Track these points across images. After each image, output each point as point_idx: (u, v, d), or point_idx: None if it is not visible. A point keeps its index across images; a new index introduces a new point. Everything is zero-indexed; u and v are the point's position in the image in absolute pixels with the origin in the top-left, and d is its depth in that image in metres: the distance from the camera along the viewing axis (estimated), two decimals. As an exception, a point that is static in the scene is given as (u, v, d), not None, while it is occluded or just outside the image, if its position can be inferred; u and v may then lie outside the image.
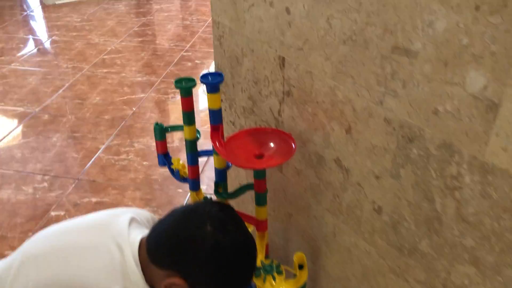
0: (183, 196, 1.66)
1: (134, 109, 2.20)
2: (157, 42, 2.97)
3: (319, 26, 0.81)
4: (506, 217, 0.62)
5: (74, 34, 3.08)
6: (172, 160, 1.11)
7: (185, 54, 2.79)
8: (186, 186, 1.71)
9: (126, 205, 1.62)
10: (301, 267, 0.99)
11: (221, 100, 1.23)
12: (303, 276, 0.97)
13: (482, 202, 0.64)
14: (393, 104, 0.72)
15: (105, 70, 2.58)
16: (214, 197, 1.06)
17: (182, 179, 1.11)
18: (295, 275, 0.98)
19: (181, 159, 1.13)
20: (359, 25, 0.73)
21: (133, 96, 2.31)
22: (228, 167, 1.03)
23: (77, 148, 1.91)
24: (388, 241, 0.84)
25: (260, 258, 0.99)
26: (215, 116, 0.93)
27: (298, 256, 0.99)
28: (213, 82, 0.89)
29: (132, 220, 0.92)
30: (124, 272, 0.81)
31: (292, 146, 0.91)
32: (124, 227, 0.88)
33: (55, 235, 0.89)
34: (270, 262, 0.97)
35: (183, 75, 2.56)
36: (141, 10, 3.54)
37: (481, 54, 0.58)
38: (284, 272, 0.97)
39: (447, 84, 0.63)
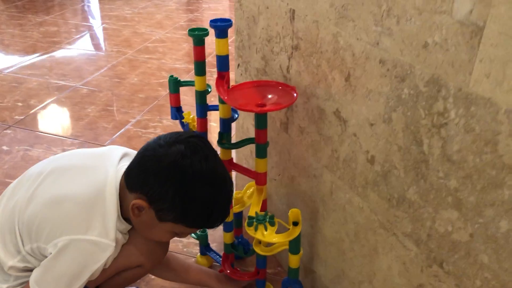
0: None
1: (168, 91, 2.27)
2: (200, 35, 3.06)
3: (325, -28, 0.82)
4: (487, 150, 0.60)
5: (123, 23, 3.22)
6: (184, 114, 1.15)
7: (225, 47, 2.85)
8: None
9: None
10: (295, 224, 0.99)
11: (238, 64, 1.25)
12: (296, 231, 0.97)
13: (466, 137, 0.63)
14: (388, 43, 0.72)
15: (146, 56, 2.68)
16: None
17: (191, 132, 1.14)
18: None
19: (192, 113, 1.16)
20: (360, -36, 0.74)
21: (169, 80, 2.39)
22: (233, 118, 1.05)
23: (109, 119, 1.99)
24: (379, 193, 0.82)
25: (255, 210, 1.00)
26: (222, 62, 0.96)
27: (293, 212, 0.98)
28: (221, 25, 0.92)
29: (126, 154, 0.95)
30: (101, 190, 0.84)
31: (294, 96, 0.92)
32: (116, 156, 0.92)
33: (54, 159, 0.94)
34: (265, 214, 0.97)
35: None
36: (190, 7, 3.66)
37: (467, -24, 0.57)
38: (277, 224, 0.97)
39: (436, 14, 0.63)
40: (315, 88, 0.93)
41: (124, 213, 0.87)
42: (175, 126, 1.96)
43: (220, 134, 1.03)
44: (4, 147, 1.77)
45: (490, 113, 0.58)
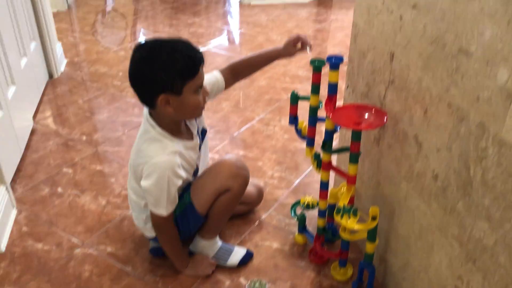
0: (308, 166, 2.01)
1: (289, 95, 2.62)
2: (324, 45, 3.36)
3: (418, 30, 1.08)
4: (509, 181, 0.83)
5: (259, 30, 3.65)
6: (299, 122, 1.47)
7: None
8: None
9: (263, 162, 2.04)
10: (374, 218, 1.26)
11: (347, 85, 1.55)
12: (373, 223, 1.24)
13: (497, 169, 0.86)
14: (455, 92, 0.97)
15: (275, 62, 3.06)
16: (321, 154, 1.39)
17: (303, 137, 1.46)
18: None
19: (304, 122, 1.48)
20: (441, 31, 0.99)
21: (291, 86, 2.74)
22: (335, 130, 1.35)
23: (239, 114, 2.40)
24: (438, 203, 1.07)
25: (344, 202, 1.29)
26: (332, 88, 1.26)
27: (372, 209, 1.26)
28: (335, 62, 1.22)
29: None
30: (146, 131, 1.29)
31: (384, 120, 1.19)
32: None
33: None
34: (350, 206, 1.26)
35: (338, 76, 2.89)
36: (319, 18, 3.97)
37: (507, 56, 0.81)
38: (359, 215, 1.25)
39: (486, 78, 0.87)
40: (402, 115, 1.20)
41: (169, 124, 1.29)
42: (291, 127, 2.31)
43: (324, 141, 1.34)
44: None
45: (513, 154, 0.82)
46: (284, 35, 3.54)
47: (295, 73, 2.92)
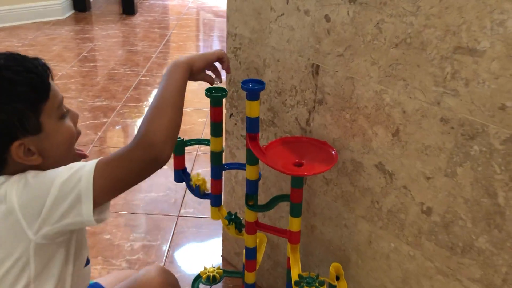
0: (171, 220, 1.58)
1: (99, 134, 2.09)
2: (111, 67, 2.85)
3: (366, 32, 0.82)
4: None
5: (18, 59, 2.88)
6: (191, 176, 1.06)
7: (142, 78, 2.71)
8: (173, 210, 1.63)
9: (111, 233, 1.51)
10: (337, 278, 0.97)
11: (232, 114, 1.20)
12: (342, 285, 0.95)
13: (554, 191, 0.67)
14: (452, 103, 0.75)
15: (59, 95, 2.43)
16: (240, 212, 1.02)
17: (203, 195, 1.06)
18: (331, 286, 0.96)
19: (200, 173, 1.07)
20: (415, 27, 0.75)
21: (96, 121, 2.20)
22: (259, 178, 1.00)
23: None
24: (437, 242, 0.84)
25: (297, 271, 0.96)
26: (254, 124, 0.91)
27: (335, 267, 0.96)
28: (253, 89, 0.87)
29: None
30: None
31: (332, 153, 0.90)
32: None
33: None
34: (308, 274, 0.94)
35: (144, 99, 2.48)
36: (87, 35, 3.40)
37: (559, 49, 0.62)
38: (325, 283, 0.94)
39: (518, 80, 0.66)
40: (348, 141, 0.93)
41: None
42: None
43: (247, 195, 0.97)
44: None
45: None
46: (56, 60, 2.88)
47: (92, 105, 2.36)
